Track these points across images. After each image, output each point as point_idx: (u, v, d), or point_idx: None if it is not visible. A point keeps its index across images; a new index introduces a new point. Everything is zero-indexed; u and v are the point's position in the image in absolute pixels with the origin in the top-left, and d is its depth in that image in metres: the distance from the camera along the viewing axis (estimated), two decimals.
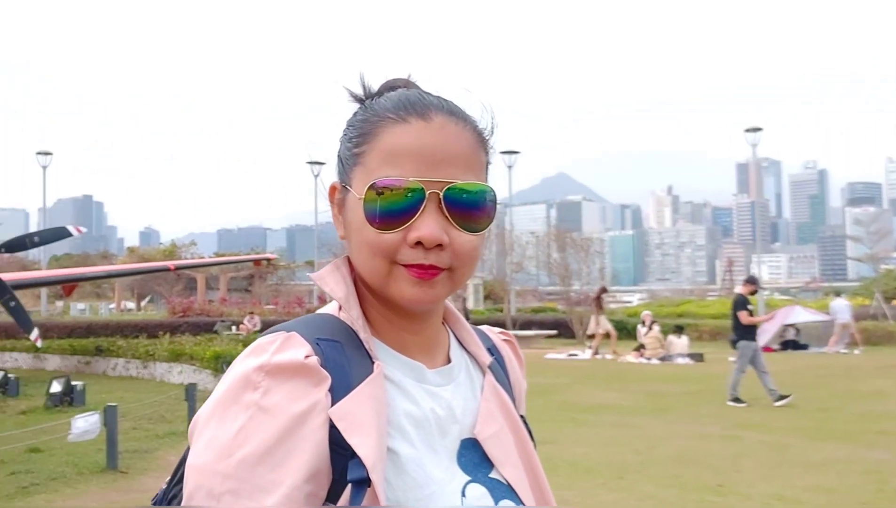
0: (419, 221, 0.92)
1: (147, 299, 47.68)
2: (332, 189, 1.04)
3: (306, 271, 52.52)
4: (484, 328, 1.25)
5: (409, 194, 0.92)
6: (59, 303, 41.40)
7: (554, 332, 25.11)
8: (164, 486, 1.02)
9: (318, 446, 0.86)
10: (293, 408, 0.86)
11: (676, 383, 14.51)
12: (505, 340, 1.24)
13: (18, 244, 14.69)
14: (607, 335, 20.63)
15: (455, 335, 1.14)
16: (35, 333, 13.67)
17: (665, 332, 20.01)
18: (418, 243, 0.92)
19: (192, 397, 10.04)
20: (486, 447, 1.03)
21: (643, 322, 20.28)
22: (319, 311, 1.04)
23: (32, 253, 38.54)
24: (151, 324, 25.48)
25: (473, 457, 1.01)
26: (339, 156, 1.04)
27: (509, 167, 35.15)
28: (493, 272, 34.36)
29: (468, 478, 0.99)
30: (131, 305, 46.59)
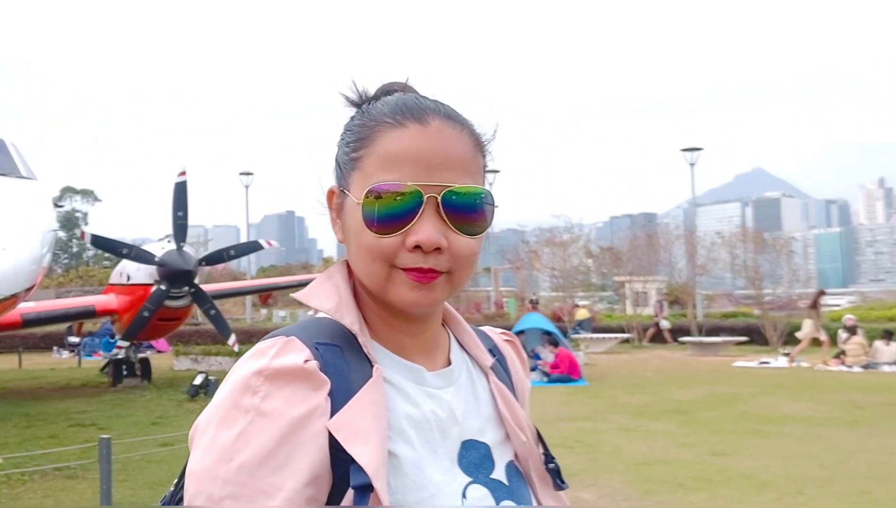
0: (417, 225, 0.93)
1: None
2: (331, 193, 1.06)
3: (485, 276, 53.36)
4: (485, 328, 1.25)
5: (407, 198, 0.93)
6: (264, 311, 44.94)
7: (744, 339, 23.56)
8: (172, 488, 1.04)
9: (319, 450, 0.87)
10: (293, 412, 0.87)
11: (878, 393, 13.12)
12: (507, 340, 1.24)
13: (216, 258, 16.13)
14: (816, 342, 19.01)
15: (455, 336, 1.14)
16: (232, 338, 14.92)
17: (872, 337, 18.16)
18: (417, 247, 0.93)
19: None
20: (493, 450, 1.04)
21: (844, 326, 18.61)
22: (319, 315, 1.04)
23: (243, 266, 42.27)
24: None
25: (474, 458, 1.02)
26: (336, 160, 1.05)
27: (692, 165, 33.56)
28: (679, 276, 32.94)
29: (469, 479, 0.99)
30: None
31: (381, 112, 0.99)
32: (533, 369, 16.19)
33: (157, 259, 14.02)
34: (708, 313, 32.73)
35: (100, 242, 14.33)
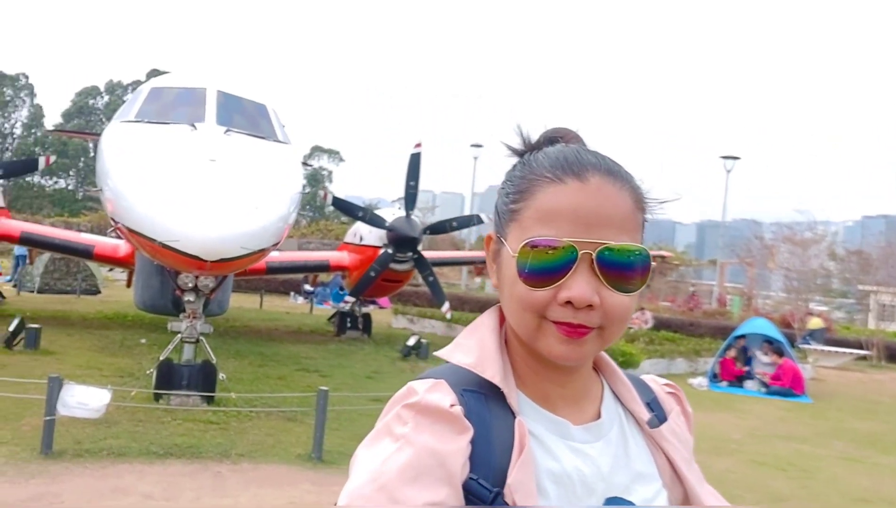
0: (570, 280, 0.94)
1: None
2: (488, 239, 1.08)
3: (709, 269, 50.59)
4: (646, 378, 1.21)
5: (562, 253, 0.94)
6: (478, 279, 46.22)
7: None
8: None
9: (453, 489, 0.90)
10: (437, 447, 0.91)
11: None
12: (670, 392, 1.20)
13: (440, 227, 16.77)
14: None
15: (610, 386, 1.12)
16: (446, 306, 15.51)
17: None
18: (568, 303, 0.94)
19: None
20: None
21: None
22: None
23: (463, 234, 43.67)
24: None
25: None
26: (496, 208, 1.07)
27: None
28: None
29: None
30: None
31: (542, 165, 1.01)
32: (749, 377, 15.20)
33: (387, 224, 14.86)
34: None
35: (340, 204, 15.45)
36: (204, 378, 8.87)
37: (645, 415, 1.09)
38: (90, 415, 6.64)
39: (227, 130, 9.06)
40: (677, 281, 43.60)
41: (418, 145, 14.78)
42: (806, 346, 21.17)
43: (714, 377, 15.29)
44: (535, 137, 1.09)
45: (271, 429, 8.21)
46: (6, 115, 73.61)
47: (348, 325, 17.36)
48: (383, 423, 0.96)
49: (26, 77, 74.83)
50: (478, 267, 24.05)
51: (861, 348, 23.26)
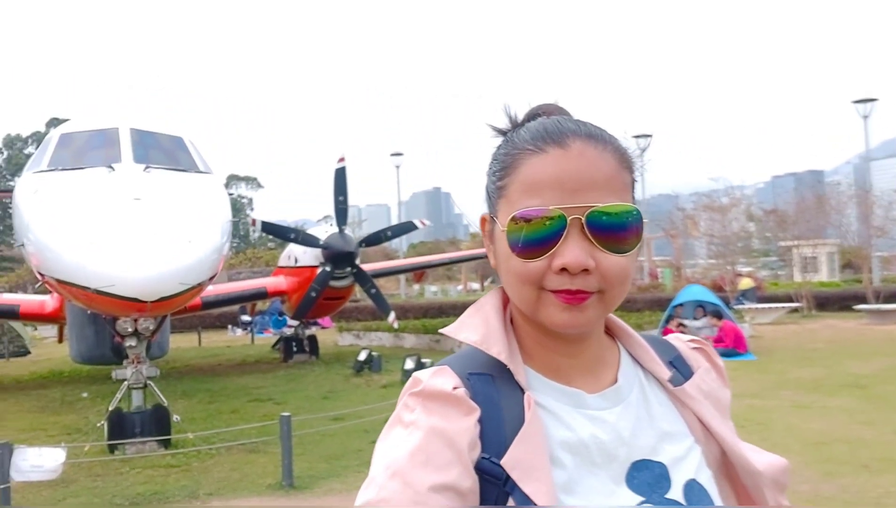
0: (563, 247, 0.94)
1: (489, 279, 51.01)
2: (483, 220, 1.08)
3: None
4: (670, 337, 1.20)
5: (551, 222, 0.94)
6: (416, 286, 46.24)
7: None
8: None
9: (463, 468, 0.91)
10: (444, 428, 0.93)
11: None
12: (695, 348, 1.17)
13: (375, 239, 16.73)
14: None
15: (628, 350, 1.11)
16: (392, 316, 15.46)
17: None
18: (563, 270, 0.93)
19: None
20: (671, 468, 1.01)
21: None
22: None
23: (395, 243, 43.64)
24: None
25: (648, 478, 0.99)
26: (485, 189, 1.07)
27: (865, 117, 30.92)
28: (852, 239, 30.56)
29: (641, 499, 0.98)
30: (476, 285, 50.16)
31: (523, 139, 1.01)
32: None
33: (321, 242, 14.73)
34: (885, 277, 30.23)
35: (269, 228, 15.24)
36: (157, 423, 8.62)
37: (666, 374, 1.08)
38: (46, 476, 6.38)
39: (147, 168, 8.81)
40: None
41: (341, 160, 14.69)
42: (740, 306, 21.95)
43: None
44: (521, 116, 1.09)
45: (235, 463, 8.02)
46: None
47: (294, 349, 17.15)
48: (395, 414, 0.99)
49: None
50: (416, 274, 23.96)
51: (791, 301, 24.30)
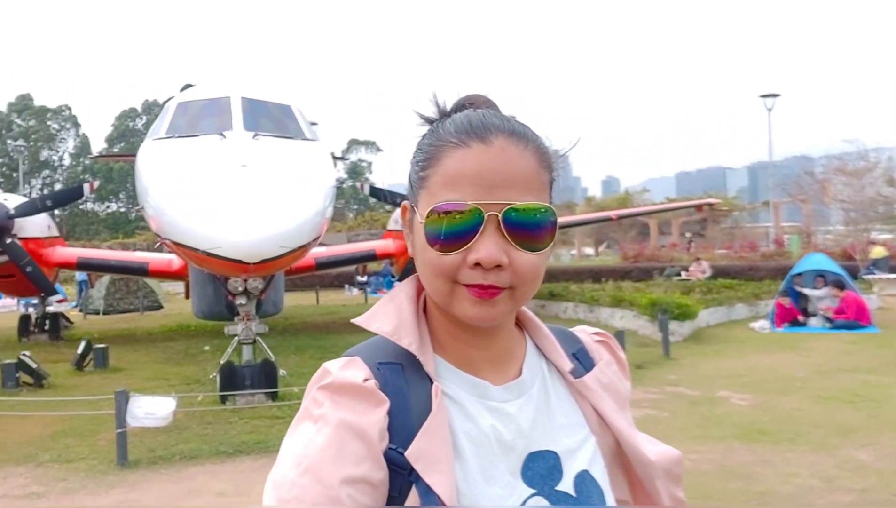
0: (478, 243, 0.95)
1: (604, 244, 50.14)
2: (404, 209, 1.09)
3: (765, 211, 49.43)
4: (576, 329, 1.22)
5: (468, 217, 0.95)
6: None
7: None
8: None
9: (374, 461, 0.92)
10: (353, 422, 0.93)
11: None
12: (599, 341, 1.21)
13: None
14: None
15: (534, 342, 1.13)
16: None
17: None
18: (477, 265, 0.95)
19: (622, 343, 10.39)
20: (563, 459, 1.03)
21: None
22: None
23: None
24: (605, 269, 26.78)
25: (541, 469, 1.02)
26: (408, 178, 1.08)
27: None
28: None
29: (532, 491, 1.00)
30: (590, 251, 49.41)
31: (448, 131, 1.01)
32: (813, 314, 14.89)
33: None
34: None
35: (376, 192, 15.58)
36: (265, 377, 9.12)
37: (567, 366, 1.10)
38: (158, 423, 6.91)
39: (255, 135, 9.25)
40: (732, 227, 42.74)
41: None
42: (870, 276, 20.60)
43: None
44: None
45: None
46: (54, 147, 75.93)
47: None
48: (302, 408, 0.98)
49: (69, 108, 77.05)
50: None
51: None
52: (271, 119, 10.02)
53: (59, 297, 14.60)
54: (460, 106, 1.07)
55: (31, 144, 72.75)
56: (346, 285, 28.45)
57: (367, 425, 0.93)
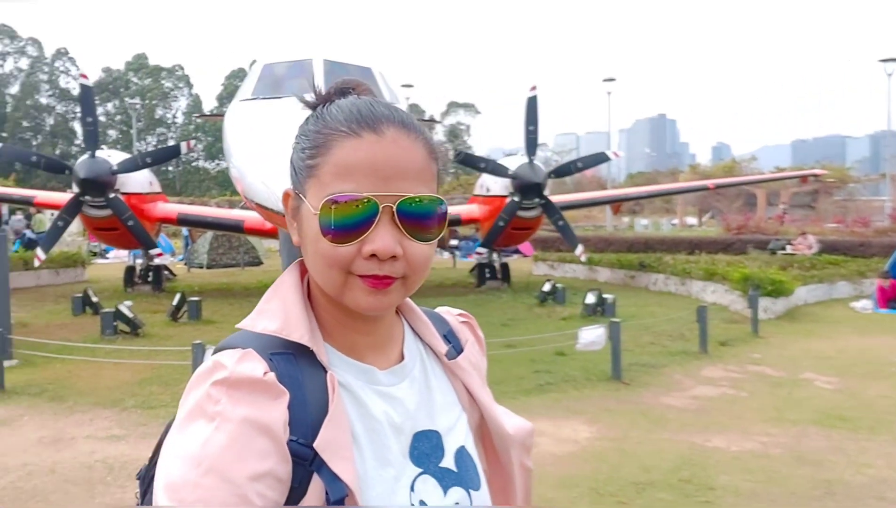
0: (373, 234, 0.96)
1: (708, 214, 48.33)
2: (286, 196, 1.06)
3: (880, 183, 46.34)
4: (441, 310, 1.26)
5: (363, 208, 0.96)
6: (626, 219, 44.96)
7: None
8: (147, 463, 1.11)
9: (280, 455, 0.91)
10: (256, 417, 0.91)
11: None
12: (463, 322, 1.26)
13: (565, 170, 16.50)
14: None
15: (410, 326, 1.17)
16: (579, 249, 15.30)
17: None
18: (373, 255, 0.96)
19: (704, 319, 10.05)
20: (444, 437, 1.08)
21: None
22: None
23: (613, 172, 42.65)
24: (705, 241, 25.86)
25: (426, 448, 1.06)
26: (292, 163, 1.05)
27: None
28: None
29: (419, 470, 1.04)
30: (693, 220, 47.81)
31: (337, 119, 1.00)
32: None
33: (510, 172, 14.80)
34: None
35: (463, 157, 15.56)
36: None
37: (443, 348, 1.15)
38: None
39: None
40: (846, 200, 40.32)
41: (533, 89, 14.51)
42: None
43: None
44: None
45: None
46: (167, 105, 79.58)
47: (487, 275, 17.56)
48: (193, 404, 0.93)
49: (182, 68, 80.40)
50: (614, 206, 23.36)
51: None
52: None
53: (157, 251, 15.32)
54: (339, 91, 1.07)
55: (147, 102, 76.50)
56: (438, 249, 28.65)
57: (270, 420, 0.92)
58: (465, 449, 1.10)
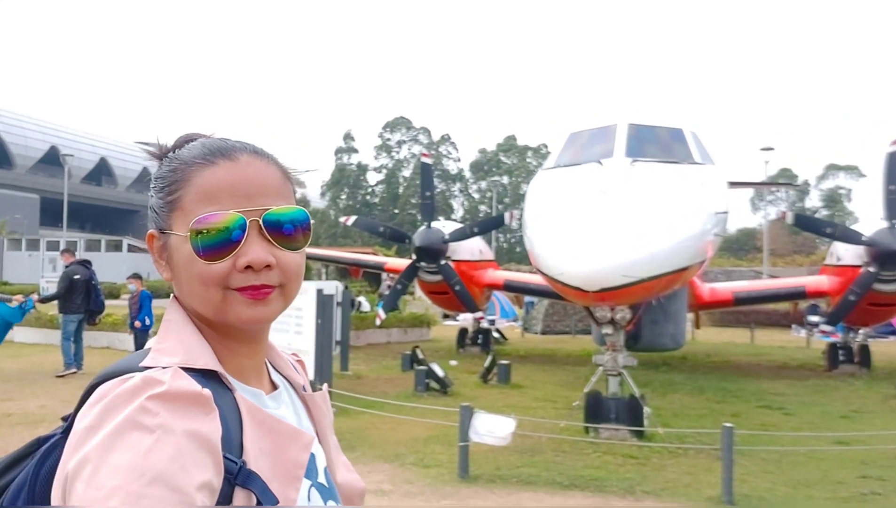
0: (245, 247, 1.03)
1: None
2: (150, 237, 1.12)
3: None
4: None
5: (232, 225, 1.02)
6: None
7: None
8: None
9: (218, 466, 0.94)
10: (197, 429, 0.93)
11: None
12: (298, 360, 1.32)
13: None
14: None
15: (268, 360, 1.21)
16: None
17: None
18: (248, 268, 1.02)
19: None
20: (317, 458, 1.14)
21: None
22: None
23: None
24: None
25: (309, 465, 1.09)
26: (151, 208, 1.11)
27: None
28: None
29: (310, 483, 1.10)
30: None
31: (191, 155, 1.07)
32: None
33: (864, 238, 12.75)
34: None
35: (803, 222, 13.85)
36: (630, 412, 8.76)
37: (300, 380, 1.24)
38: (497, 442, 7.13)
39: (634, 161, 9.01)
40: None
41: (893, 144, 12.40)
42: None
43: None
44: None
45: (693, 467, 7.65)
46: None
47: (841, 358, 15.20)
48: (123, 419, 0.90)
49: (545, 146, 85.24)
50: None
51: None
52: (658, 144, 9.67)
53: (478, 315, 16.18)
54: (185, 140, 1.13)
55: (513, 179, 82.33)
56: (794, 325, 25.66)
57: (209, 433, 0.94)
58: (326, 469, 1.18)
